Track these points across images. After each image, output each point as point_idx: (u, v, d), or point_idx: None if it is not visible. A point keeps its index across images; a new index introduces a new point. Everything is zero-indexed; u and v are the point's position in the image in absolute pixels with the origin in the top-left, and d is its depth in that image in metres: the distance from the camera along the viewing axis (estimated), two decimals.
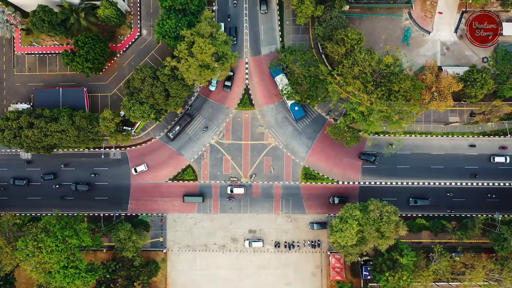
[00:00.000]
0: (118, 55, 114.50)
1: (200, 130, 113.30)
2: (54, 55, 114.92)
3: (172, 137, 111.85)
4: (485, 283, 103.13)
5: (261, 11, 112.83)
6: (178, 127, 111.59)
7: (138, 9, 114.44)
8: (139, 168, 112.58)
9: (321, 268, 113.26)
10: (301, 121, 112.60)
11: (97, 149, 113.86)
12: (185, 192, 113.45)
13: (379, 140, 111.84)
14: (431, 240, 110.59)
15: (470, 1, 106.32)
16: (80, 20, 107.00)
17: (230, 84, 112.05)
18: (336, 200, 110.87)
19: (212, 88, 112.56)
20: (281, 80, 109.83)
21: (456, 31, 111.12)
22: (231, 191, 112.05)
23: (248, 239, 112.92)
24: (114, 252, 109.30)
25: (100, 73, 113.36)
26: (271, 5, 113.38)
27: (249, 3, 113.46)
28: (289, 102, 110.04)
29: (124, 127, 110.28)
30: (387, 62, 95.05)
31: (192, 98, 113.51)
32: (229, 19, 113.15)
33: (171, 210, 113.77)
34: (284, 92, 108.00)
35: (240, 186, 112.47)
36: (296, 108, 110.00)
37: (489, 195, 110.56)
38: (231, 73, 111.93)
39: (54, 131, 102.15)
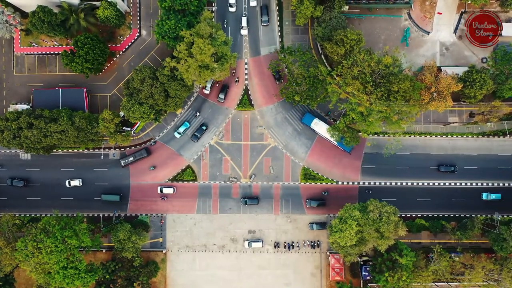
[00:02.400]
0: (118, 55, 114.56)
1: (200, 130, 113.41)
2: (53, 55, 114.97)
3: (123, 164, 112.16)
4: (485, 283, 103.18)
5: (262, 23, 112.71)
6: (132, 158, 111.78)
7: (138, 9, 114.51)
8: (166, 190, 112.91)
9: (320, 269, 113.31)
10: (301, 121, 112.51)
11: (96, 150, 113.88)
12: (104, 191, 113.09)
13: (379, 140, 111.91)
14: (431, 241, 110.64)
15: (470, 2, 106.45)
16: (79, 21, 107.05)
17: (223, 97, 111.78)
18: (314, 204, 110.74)
19: (207, 92, 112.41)
20: (317, 124, 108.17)
21: (455, 32, 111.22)
22: (161, 190, 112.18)
23: (247, 240, 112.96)
24: (114, 253, 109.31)
25: (100, 73, 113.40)
26: (272, 17, 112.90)
27: (248, 4, 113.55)
28: (334, 140, 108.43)
29: (124, 128, 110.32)
30: (386, 62, 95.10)
31: (192, 99, 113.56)
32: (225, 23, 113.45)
33: (171, 211, 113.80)
34: (334, 138, 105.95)
35: (169, 186, 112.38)
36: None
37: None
38: (227, 87, 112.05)
39: (53, 131, 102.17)
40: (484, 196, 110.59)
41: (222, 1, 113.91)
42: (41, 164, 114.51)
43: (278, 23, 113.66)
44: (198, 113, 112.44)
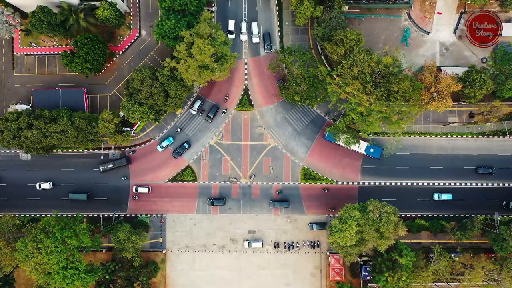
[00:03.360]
0: (118, 55, 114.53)
1: (199, 130, 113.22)
2: (53, 55, 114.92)
3: (101, 170, 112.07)
4: (484, 283, 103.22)
5: (265, 50, 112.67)
6: (111, 165, 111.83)
7: (138, 9, 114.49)
8: (141, 189, 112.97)
9: (320, 269, 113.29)
10: (300, 121, 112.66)
11: (96, 150, 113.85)
12: (72, 190, 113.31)
13: (379, 140, 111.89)
14: (431, 241, 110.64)
15: (469, 2, 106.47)
16: (79, 21, 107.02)
17: (212, 116, 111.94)
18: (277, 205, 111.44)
19: (193, 112, 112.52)
20: (344, 138, 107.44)
21: (455, 32, 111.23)
22: (136, 190, 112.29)
23: (247, 240, 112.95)
24: (114, 253, 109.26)
25: (100, 73, 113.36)
26: (274, 38, 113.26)
27: (248, 4, 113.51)
28: (362, 149, 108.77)
29: (124, 128, 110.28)
30: (386, 62, 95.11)
31: (191, 99, 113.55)
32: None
33: (171, 211, 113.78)
34: (347, 143, 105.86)
35: (144, 186, 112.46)
36: (372, 150, 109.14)
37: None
38: (216, 107, 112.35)
39: (53, 132, 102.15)
40: (436, 196, 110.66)
41: (221, 2, 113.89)
42: (40, 165, 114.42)
43: (278, 23, 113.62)
44: (179, 129, 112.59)
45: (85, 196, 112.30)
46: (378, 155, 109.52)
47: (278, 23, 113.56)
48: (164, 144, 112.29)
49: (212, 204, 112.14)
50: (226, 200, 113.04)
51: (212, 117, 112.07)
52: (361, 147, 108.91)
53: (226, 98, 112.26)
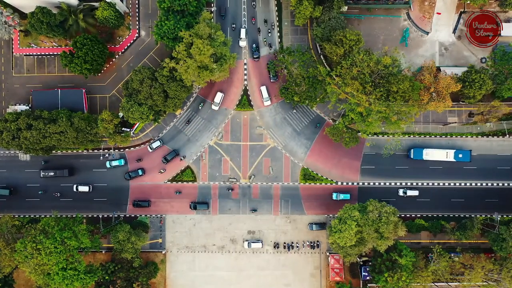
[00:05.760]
0: (117, 56, 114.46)
1: (199, 131, 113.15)
2: (52, 56, 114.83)
3: (41, 176, 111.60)
4: (484, 283, 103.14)
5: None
6: (52, 173, 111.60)
7: (137, 10, 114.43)
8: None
9: (320, 269, 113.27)
10: (300, 122, 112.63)
11: (96, 151, 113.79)
12: None
13: (378, 140, 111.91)
14: (430, 241, 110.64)
15: (468, 2, 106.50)
16: (78, 22, 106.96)
17: (169, 159, 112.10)
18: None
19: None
20: (429, 153, 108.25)
21: (454, 32, 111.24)
22: (76, 188, 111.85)
23: (247, 240, 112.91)
24: (113, 254, 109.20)
25: (99, 74, 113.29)
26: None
27: (247, 4, 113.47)
28: (451, 157, 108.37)
29: (123, 129, 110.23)
30: (385, 62, 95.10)
31: (191, 99, 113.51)
32: (233, 25, 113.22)
33: (170, 211, 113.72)
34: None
35: (85, 184, 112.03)
36: (461, 155, 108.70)
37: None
38: (175, 153, 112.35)
39: (52, 132, 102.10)
40: (334, 196, 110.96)
41: (221, 2, 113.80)
42: (40, 165, 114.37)
43: (278, 23, 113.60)
44: (113, 152, 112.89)
45: (7, 191, 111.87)
46: (468, 158, 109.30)
47: (278, 23, 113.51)
48: (114, 163, 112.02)
49: (195, 208, 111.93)
50: (209, 204, 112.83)
51: (168, 160, 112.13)
52: (449, 155, 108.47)
53: (162, 171, 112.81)
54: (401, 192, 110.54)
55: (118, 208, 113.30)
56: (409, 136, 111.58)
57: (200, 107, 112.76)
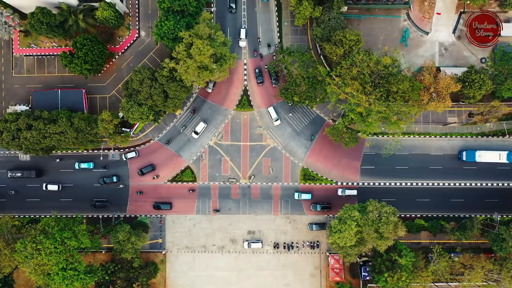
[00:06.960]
0: (117, 56, 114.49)
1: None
2: (52, 56, 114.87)
3: (9, 176, 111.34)
4: (484, 283, 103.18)
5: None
6: (19, 174, 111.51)
7: (137, 10, 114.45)
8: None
9: (320, 269, 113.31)
10: (300, 122, 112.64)
11: (95, 151, 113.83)
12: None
13: (378, 141, 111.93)
14: (430, 241, 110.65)
15: (468, 2, 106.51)
16: (78, 22, 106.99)
17: (147, 171, 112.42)
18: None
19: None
20: (482, 155, 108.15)
21: (454, 32, 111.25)
22: (46, 187, 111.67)
23: (247, 240, 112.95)
24: (113, 254, 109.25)
25: (99, 74, 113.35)
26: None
27: (247, 5, 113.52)
28: (503, 159, 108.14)
29: (123, 129, 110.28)
30: (385, 63, 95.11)
31: (191, 99, 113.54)
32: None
33: (170, 212, 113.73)
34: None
35: (54, 183, 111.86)
36: None
37: None
38: (152, 167, 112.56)
39: (52, 132, 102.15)
40: (340, 192, 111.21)
41: (221, 2, 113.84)
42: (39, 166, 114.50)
43: (277, 23, 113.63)
44: (101, 157, 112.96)
45: None
46: None
47: (277, 23, 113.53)
48: (83, 165, 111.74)
49: (159, 208, 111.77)
50: (172, 204, 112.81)
51: (144, 173, 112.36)
52: (502, 157, 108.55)
53: (155, 177, 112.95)
54: (340, 192, 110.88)
55: (118, 208, 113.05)
56: (409, 136, 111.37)
57: (181, 130, 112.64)
